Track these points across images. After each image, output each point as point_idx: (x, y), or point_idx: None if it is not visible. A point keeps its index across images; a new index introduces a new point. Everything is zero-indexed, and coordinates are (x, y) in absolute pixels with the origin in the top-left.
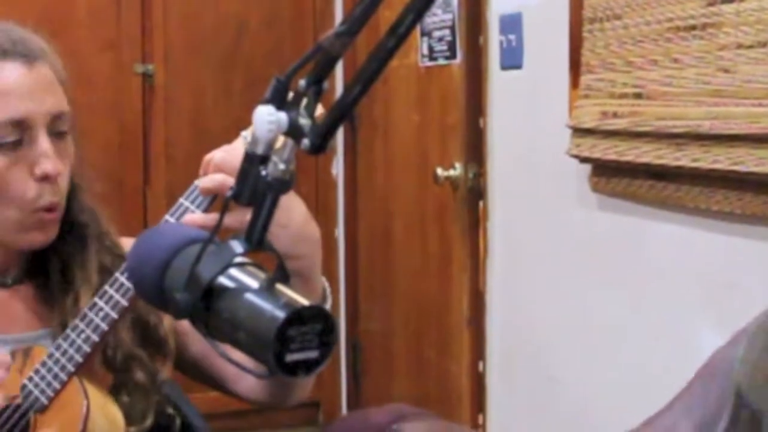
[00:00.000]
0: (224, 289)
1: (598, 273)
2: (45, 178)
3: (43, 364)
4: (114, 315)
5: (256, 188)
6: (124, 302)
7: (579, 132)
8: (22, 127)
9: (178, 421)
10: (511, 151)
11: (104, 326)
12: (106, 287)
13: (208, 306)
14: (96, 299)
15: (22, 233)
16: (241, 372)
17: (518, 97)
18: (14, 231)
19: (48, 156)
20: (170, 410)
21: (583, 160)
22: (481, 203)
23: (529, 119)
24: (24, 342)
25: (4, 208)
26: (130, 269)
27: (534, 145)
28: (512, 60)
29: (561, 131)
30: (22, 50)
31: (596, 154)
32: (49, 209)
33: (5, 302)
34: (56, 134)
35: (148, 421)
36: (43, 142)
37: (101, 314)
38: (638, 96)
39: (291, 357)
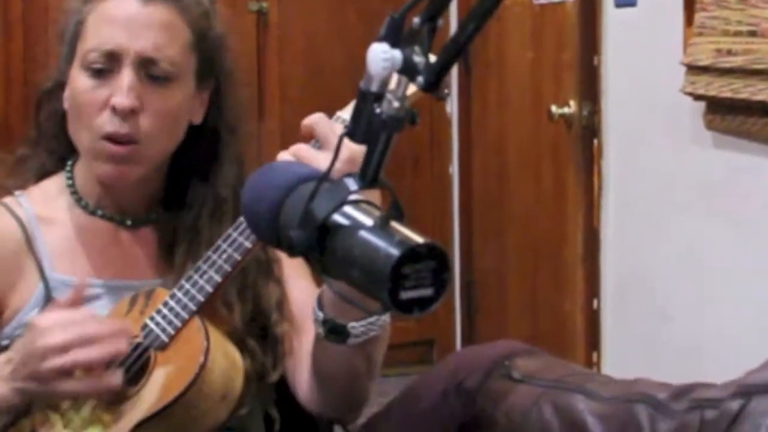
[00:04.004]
0: (339, 227)
1: (712, 210)
2: (115, 110)
3: (165, 303)
4: (237, 257)
5: (370, 126)
6: (248, 244)
7: (694, 70)
8: (109, 58)
9: (277, 426)
10: (626, 89)
11: (227, 267)
12: (230, 230)
13: (323, 243)
14: (220, 242)
15: (92, 160)
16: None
17: (632, 34)
18: (87, 155)
19: (123, 90)
20: (274, 412)
21: (698, 97)
22: (595, 141)
23: (643, 57)
24: (140, 289)
25: (80, 129)
26: (245, 207)
27: (648, 82)
28: None
29: (675, 69)
30: None
31: (712, 92)
32: (115, 141)
33: (127, 245)
34: (152, 77)
35: (243, 410)
36: (125, 77)
37: (224, 256)
38: (752, 34)
39: (406, 295)
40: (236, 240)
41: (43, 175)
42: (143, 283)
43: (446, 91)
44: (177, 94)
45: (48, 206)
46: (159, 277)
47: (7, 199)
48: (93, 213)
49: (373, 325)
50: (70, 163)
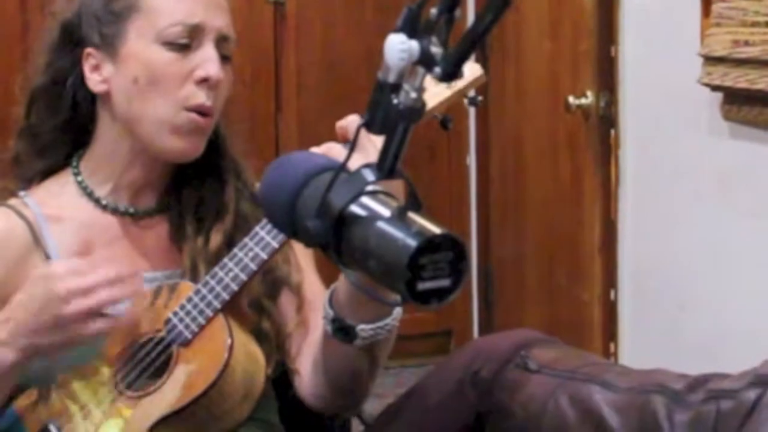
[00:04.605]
0: (356, 217)
1: (730, 201)
2: (204, 81)
3: (189, 299)
4: (264, 256)
5: (387, 117)
6: (275, 244)
7: (710, 60)
8: (194, 32)
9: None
10: (643, 80)
11: (253, 266)
12: (257, 228)
13: (340, 234)
14: (246, 239)
15: (170, 134)
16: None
17: (650, 25)
18: (164, 129)
19: (214, 62)
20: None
21: (715, 88)
22: (612, 131)
23: (661, 47)
24: (156, 281)
25: (158, 102)
26: (262, 197)
27: (665, 73)
28: None
29: (692, 59)
30: None
31: (727, 83)
32: (201, 112)
33: (137, 237)
34: (222, 55)
35: (268, 371)
36: (210, 50)
37: (251, 254)
38: None
39: (423, 285)
40: (263, 239)
41: (45, 174)
42: (155, 274)
43: (479, 97)
44: (231, 74)
45: (54, 204)
46: (170, 268)
47: (13, 201)
48: (105, 207)
49: (381, 328)
50: (75, 159)
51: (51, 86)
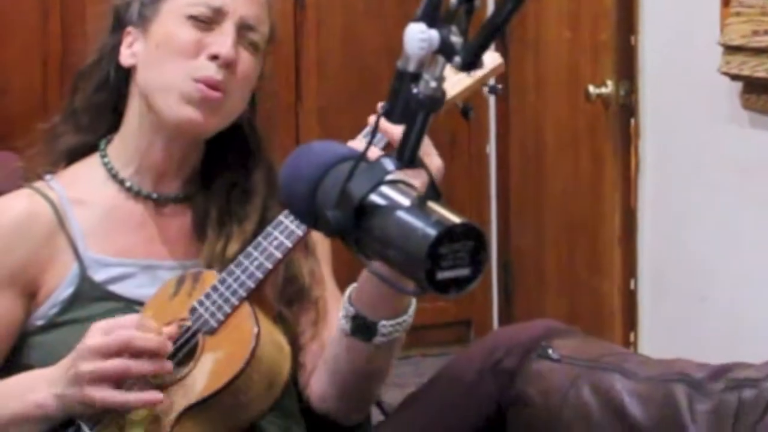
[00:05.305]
0: (375, 207)
1: (750, 189)
2: (215, 58)
3: (214, 288)
4: (288, 244)
5: (407, 106)
6: (299, 232)
7: (729, 49)
8: (216, 14)
9: None
10: (663, 69)
11: (278, 254)
12: (280, 217)
13: (359, 223)
14: (270, 228)
15: (178, 102)
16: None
17: (670, 14)
18: (172, 96)
19: (228, 42)
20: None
21: (734, 77)
22: (632, 120)
23: (681, 36)
24: (175, 270)
25: (170, 69)
26: (283, 186)
27: (686, 62)
28: None
29: (712, 49)
30: None
31: (745, 72)
32: (211, 85)
33: (160, 224)
34: (246, 43)
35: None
36: (228, 32)
37: (275, 243)
38: None
39: (442, 275)
40: (287, 227)
41: (72, 158)
42: (177, 263)
43: (499, 86)
44: (256, 67)
45: (79, 188)
46: (192, 258)
47: (38, 183)
48: (129, 189)
49: (400, 325)
50: (104, 143)
51: (95, 66)
